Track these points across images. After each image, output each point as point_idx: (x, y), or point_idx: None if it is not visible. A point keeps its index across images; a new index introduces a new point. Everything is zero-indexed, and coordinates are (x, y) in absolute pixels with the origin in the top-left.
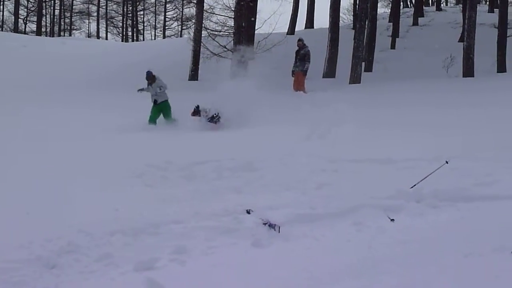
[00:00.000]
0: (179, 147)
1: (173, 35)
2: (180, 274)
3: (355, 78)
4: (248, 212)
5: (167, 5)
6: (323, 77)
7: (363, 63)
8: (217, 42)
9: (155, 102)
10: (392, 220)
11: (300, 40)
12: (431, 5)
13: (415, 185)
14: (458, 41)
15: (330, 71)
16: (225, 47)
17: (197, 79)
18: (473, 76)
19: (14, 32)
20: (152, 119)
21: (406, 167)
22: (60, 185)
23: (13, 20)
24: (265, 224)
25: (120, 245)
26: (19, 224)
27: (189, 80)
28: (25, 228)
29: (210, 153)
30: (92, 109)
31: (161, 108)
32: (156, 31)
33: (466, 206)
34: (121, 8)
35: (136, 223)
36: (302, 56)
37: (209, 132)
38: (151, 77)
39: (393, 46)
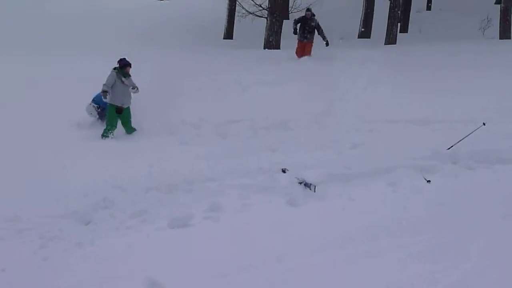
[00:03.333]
0: (213, 105)
1: None
2: (215, 232)
3: (390, 39)
4: (283, 171)
5: None
6: (358, 37)
7: (399, 24)
8: (253, 1)
9: (118, 108)
10: (429, 181)
11: (309, 9)
12: None
13: (452, 146)
14: (495, 3)
15: (365, 32)
16: (260, 5)
17: (232, 38)
18: (510, 38)
19: None
20: (112, 127)
21: (442, 128)
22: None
23: None
24: (300, 183)
25: (155, 201)
26: (54, 178)
27: (223, 38)
28: (60, 182)
29: (244, 112)
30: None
31: (124, 115)
32: None
33: (502, 168)
34: None
35: (170, 180)
36: (313, 28)
37: (242, 90)
38: (126, 67)
39: (428, 7)
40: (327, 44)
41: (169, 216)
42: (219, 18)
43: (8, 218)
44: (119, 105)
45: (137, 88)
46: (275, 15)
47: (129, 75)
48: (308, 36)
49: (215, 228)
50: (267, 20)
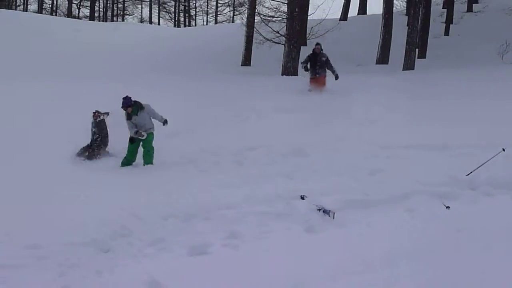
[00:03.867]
0: (231, 133)
1: (225, 20)
2: (233, 259)
3: (408, 65)
4: (302, 197)
5: None
6: (376, 63)
7: (417, 50)
8: (270, 27)
9: (134, 138)
10: (448, 207)
11: (318, 44)
12: None
13: (471, 172)
14: None
15: (383, 57)
16: (278, 32)
17: (249, 65)
18: None
19: (67, 17)
20: (130, 161)
21: (460, 154)
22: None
23: (66, 5)
24: (319, 210)
25: (173, 229)
26: (72, 206)
27: (241, 65)
28: (78, 210)
29: (261, 139)
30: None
31: (143, 145)
32: (208, 16)
33: None
34: None
35: (188, 207)
36: (324, 63)
37: (259, 117)
38: (131, 105)
39: (447, 33)
40: (336, 78)
41: (187, 244)
42: (236, 45)
43: (28, 245)
44: (137, 135)
45: (153, 114)
46: (292, 41)
47: (137, 112)
48: (320, 71)
49: (233, 255)
50: (284, 46)
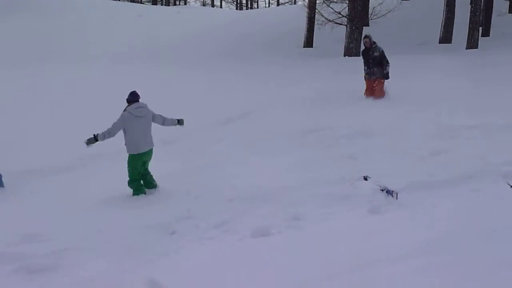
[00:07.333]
0: (293, 115)
1: (287, 2)
2: (297, 241)
3: (472, 43)
4: (365, 178)
5: None
6: (439, 42)
7: (480, 28)
8: (332, 8)
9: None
10: None
11: (366, 37)
12: None
13: None
14: None
15: (446, 37)
16: (339, 13)
17: (312, 46)
18: None
19: (130, 1)
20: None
21: None
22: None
23: None
24: (382, 190)
25: (237, 211)
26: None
27: (304, 47)
28: (143, 196)
29: (323, 120)
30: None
31: (147, 158)
32: None
33: None
34: None
35: (252, 190)
36: (379, 60)
37: (322, 99)
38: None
39: (511, 10)
40: (386, 77)
41: (251, 226)
42: (298, 27)
43: (93, 229)
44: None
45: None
46: (354, 22)
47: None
48: (375, 70)
49: (297, 237)
50: (346, 27)
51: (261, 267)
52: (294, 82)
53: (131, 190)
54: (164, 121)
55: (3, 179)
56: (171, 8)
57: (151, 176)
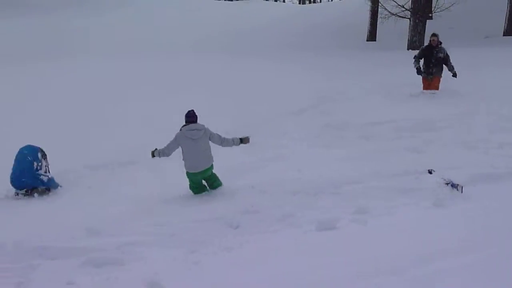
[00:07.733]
0: (356, 108)
1: None
2: (362, 234)
3: None
4: (430, 172)
5: None
6: (504, 35)
7: None
8: (395, 1)
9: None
10: None
11: (435, 35)
12: None
13: None
14: None
15: (510, 29)
16: (403, 6)
17: (375, 40)
18: None
19: None
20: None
21: None
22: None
23: None
24: (447, 184)
25: (302, 204)
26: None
27: (367, 40)
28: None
29: (387, 113)
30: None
31: (209, 175)
32: None
33: None
34: None
35: (316, 183)
36: (441, 60)
37: (386, 92)
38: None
39: None
40: (454, 75)
41: (316, 219)
42: (361, 20)
43: (160, 223)
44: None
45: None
46: (418, 15)
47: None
48: (434, 70)
49: (362, 230)
50: (410, 20)
51: (326, 260)
52: (358, 75)
53: None
54: (222, 142)
55: (56, 179)
56: (234, 3)
57: (216, 177)
